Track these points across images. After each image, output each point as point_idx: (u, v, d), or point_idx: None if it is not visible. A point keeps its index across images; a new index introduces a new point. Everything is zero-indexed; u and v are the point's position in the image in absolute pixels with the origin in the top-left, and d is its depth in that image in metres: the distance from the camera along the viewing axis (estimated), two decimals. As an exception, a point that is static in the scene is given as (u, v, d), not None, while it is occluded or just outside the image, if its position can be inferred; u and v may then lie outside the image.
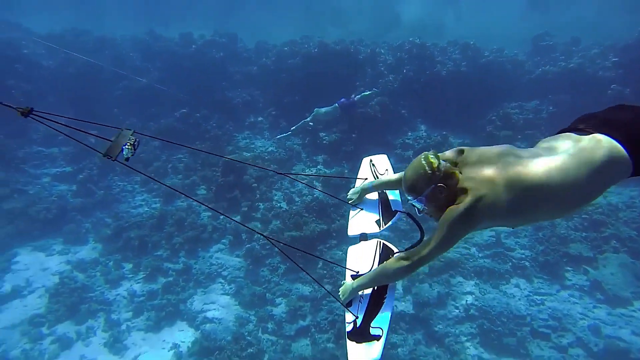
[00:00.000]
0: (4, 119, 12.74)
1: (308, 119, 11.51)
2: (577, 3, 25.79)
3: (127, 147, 1.94)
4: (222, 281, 9.02)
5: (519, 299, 7.99)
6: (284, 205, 10.49)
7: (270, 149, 12.34)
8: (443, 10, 29.12)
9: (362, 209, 2.88)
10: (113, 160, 1.93)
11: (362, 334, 2.06)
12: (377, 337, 1.99)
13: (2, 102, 1.54)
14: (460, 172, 2.02)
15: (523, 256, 8.93)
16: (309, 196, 10.35)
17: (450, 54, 14.07)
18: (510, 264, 8.85)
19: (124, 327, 8.03)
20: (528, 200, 1.87)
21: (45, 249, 9.86)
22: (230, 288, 8.81)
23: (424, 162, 2.04)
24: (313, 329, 7.93)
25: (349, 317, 2.25)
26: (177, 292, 8.62)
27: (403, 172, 2.23)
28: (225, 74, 14.85)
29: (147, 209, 10.98)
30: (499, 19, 27.15)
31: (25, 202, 10.72)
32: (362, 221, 2.83)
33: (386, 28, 25.32)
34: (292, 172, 11.44)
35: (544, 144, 2.13)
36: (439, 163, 2.01)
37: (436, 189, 2.00)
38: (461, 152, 2.12)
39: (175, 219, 10.10)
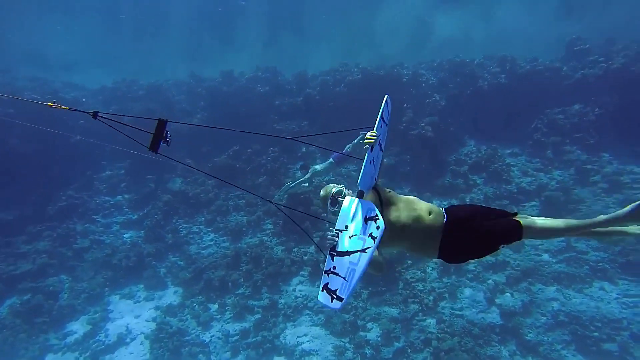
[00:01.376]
0: (73, 175, 13.50)
1: (307, 176, 10.54)
2: (610, 6, 25.78)
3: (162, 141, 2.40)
4: (310, 312, 9.33)
5: (609, 302, 8.13)
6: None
7: (327, 177, 12.78)
8: (473, 24, 29.47)
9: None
10: (156, 153, 2.41)
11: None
12: (340, 298, 2.26)
13: (76, 109, 2.40)
14: None
15: (599, 258, 9.09)
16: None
17: (489, 67, 14.48)
18: (587, 267, 9.02)
19: (226, 366, 8.41)
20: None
21: (132, 296, 10.33)
22: (319, 318, 9.11)
23: None
24: (409, 350, 8.20)
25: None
26: (269, 328, 8.95)
27: None
28: (272, 107, 15.42)
29: (217, 249, 11.40)
30: (524, 28, 27.59)
31: (104, 252, 11.28)
32: (369, 174, 2.75)
33: (419, 47, 25.95)
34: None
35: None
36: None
37: None
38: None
39: (250, 256, 10.49)
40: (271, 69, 17.16)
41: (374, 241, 2.36)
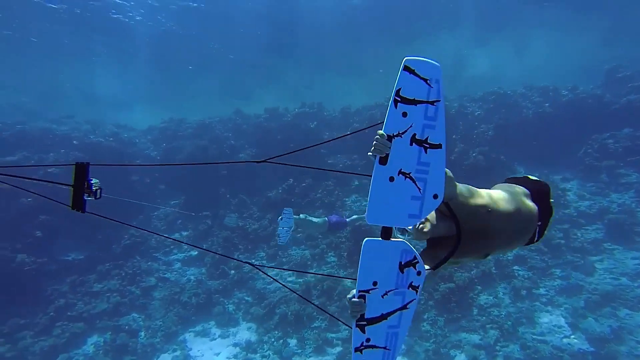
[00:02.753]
0: (133, 212, 13.81)
1: (298, 217, 9.46)
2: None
3: (86, 195, 1.78)
4: (389, 343, 9.32)
5: None
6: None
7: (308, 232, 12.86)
8: (505, 59, 30.38)
9: (393, 178, 1.84)
10: (82, 213, 1.80)
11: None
12: None
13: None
14: None
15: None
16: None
17: (531, 97, 15.01)
18: (671, 291, 9.04)
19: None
20: None
21: (206, 334, 10.35)
22: (401, 348, 9.10)
23: None
24: (497, 377, 8.15)
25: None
26: (354, 361, 8.92)
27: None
28: (320, 141, 15.76)
29: (284, 283, 11.48)
30: (557, 58, 28.55)
31: (171, 290, 11.40)
32: (390, 201, 1.86)
33: (453, 82, 26.72)
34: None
35: None
36: None
37: None
38: None
39: (321, 289, 10.57)
40: (318, 105, 17.74)
41: (417, 292, 1.86)
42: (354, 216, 10.73)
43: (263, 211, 13.94)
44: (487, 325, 9.17)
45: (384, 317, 1.85)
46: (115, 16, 18.81)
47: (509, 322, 9.09)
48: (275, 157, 2.27)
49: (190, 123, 18.39)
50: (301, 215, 9.63)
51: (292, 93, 26.30)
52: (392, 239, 1.88)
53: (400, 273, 1.85)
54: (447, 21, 22.63)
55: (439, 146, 1.80)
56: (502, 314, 9.39)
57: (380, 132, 1.81)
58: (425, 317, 9.66)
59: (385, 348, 1.85)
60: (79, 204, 1.78)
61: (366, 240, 1.88)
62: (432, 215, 2.25)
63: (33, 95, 30.13)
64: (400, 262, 1.84)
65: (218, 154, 14.56)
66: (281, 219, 9.13)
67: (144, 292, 11.55)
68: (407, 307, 1.85)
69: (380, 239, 1.89)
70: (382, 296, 1.87)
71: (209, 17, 20.53)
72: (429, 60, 1.76)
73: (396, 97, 1.79)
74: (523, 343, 8.62)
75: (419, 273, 1.85)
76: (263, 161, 2.34)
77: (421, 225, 2.21)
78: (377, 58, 26.80)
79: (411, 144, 1.80)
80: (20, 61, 24.40)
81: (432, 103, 1.80)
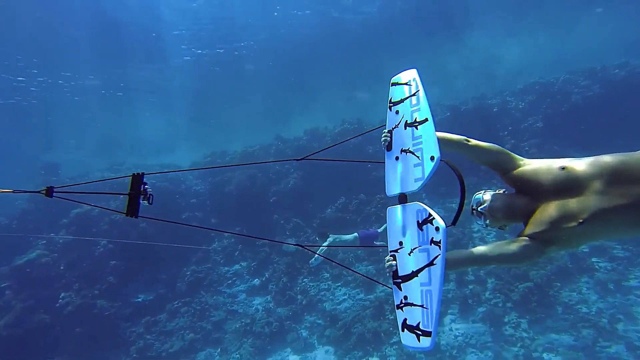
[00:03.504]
0: (192, 251, 14.06)
1: (327, 242, 9.54)
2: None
3: (142, 199, 2.00)
4: (474, 350, 8.97)
5: None
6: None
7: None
8: (542, 46, 29.61)
9: (398, 157, 2.32)
10: (136, 218, 2.00)
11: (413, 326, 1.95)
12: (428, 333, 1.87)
13: (23, 190, 2.09)
14: None
15: None
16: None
17: (577, 82, 14.60)
18: None
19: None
20: None
21: (287, 363, 10.26)
22: (487, 355, 8.73)
23: None
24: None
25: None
26: (443, 373, 8.64)
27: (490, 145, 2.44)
28: (366, 156, 15.84)
29: (353, 302, 11.33)
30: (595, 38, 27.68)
31: (241, 321, 11.40)
32: (399, 174, 2.30)
33: (489, 79, 26.36)
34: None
35: None
36: None
37: None
38: None
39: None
40: (356, 120, 17.81)
41: (440, 247, 1.92)
42: (384, 225, 10.61)
43: (314, 231, 13.93)
44: (579, 324, 8.68)
45: (414, 274, 1.98)
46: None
47: (604, 320, 8.58)
48: (314, 154, 2.71)
49: (232, 154, 18.76)
50: (330, 237, 9.67)
51: (329, 112, 26.35)
52: (429, 210, 2.07)
53: (420, 231, 2.03)
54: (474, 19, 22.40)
55: (425, 120, 2.17)
56: (592, 311, 8.90)
57: (384, 131, 2.43)
58: (506, 320, 9.28)
59: (422, 306, 1.90)
60: (133, 211, 2.02)
61: (388, 209, 2.29)
62: (497, 202, 2.39)
63: (87, 149, 31.64)
64: (418, 221, 2.05)
65: (267, 181, 14.75)
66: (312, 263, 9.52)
67: (215, 326, 11.60)
68: (434, 262, 1.92)
69: (398, 205, 2.25)
70: (409, 253, 2.04)
71: (241, 59, 21.24)
72: (406, 70, 2.45)
73: (390, 105, 2.45)
74: (629, 342, 8.08)
75: (437, 229, 1.95)
76: (302, 159, 2.75)
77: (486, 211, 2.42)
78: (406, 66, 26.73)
79: (405, 128, 2.28)
80: (80, 118, 25.78)
81: (413, 95, 2.31)
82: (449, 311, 10.04)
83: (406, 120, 2.27)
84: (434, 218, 1.98)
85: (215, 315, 11.98)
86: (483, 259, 2.20)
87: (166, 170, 15.32)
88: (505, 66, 30.31)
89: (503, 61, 30.42)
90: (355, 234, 9.98)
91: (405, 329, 1.95)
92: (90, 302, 11.00)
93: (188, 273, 13.31)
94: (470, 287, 10.32)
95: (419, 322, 1.88)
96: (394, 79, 2.49)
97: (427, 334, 1.84)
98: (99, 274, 12.14)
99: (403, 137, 2.27)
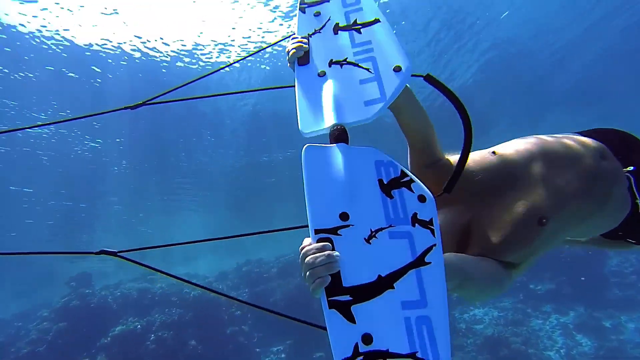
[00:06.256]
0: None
1: None
2: None
3: None
4: None
5: None
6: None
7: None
8: None
9: (325, 73, 1.44)
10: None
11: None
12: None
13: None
14: None
15: None
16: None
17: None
18: None
19: None
20: None
21: None
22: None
23: None
24: None
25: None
26: None
27: None
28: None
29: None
30: None
31: None
32: (331, 96, 1.33)
33: None
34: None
35: None
36: None
37: None
38: None
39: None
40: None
41: (433, 232, 1.02)
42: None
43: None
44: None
45: (384, 282, 0.93)
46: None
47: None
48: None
49: (268, 262, 18.23)
50: None
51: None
52: (399, 165, 1.14)
53: (388, 198, 1.05)
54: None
55: (375, 21, 1.49)
56: None
57: (294, 38, 1.53)
58: None
59: (413, 357, 0.85)
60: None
61: (306, 149, 1.13)
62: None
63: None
64: (381, 180, 1.08)
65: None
66: None
67: None
68: (425, 260, 0.96)
69: (333, 144, 1.17)
70: (367, 240, 0.99)
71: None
72: None
73: (300, 4, 1.66)
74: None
75: (421, 198, 1.06)
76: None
77: None
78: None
79: (336, 33, 1.52)
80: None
81: None
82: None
83: (337, 23, 1.54)
84: (412, 180, 1.09)
85: None
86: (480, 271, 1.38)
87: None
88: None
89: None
90: None
91: None
92: None
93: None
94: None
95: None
96: None
97: None
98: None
99: (331, 45, 1.49)
